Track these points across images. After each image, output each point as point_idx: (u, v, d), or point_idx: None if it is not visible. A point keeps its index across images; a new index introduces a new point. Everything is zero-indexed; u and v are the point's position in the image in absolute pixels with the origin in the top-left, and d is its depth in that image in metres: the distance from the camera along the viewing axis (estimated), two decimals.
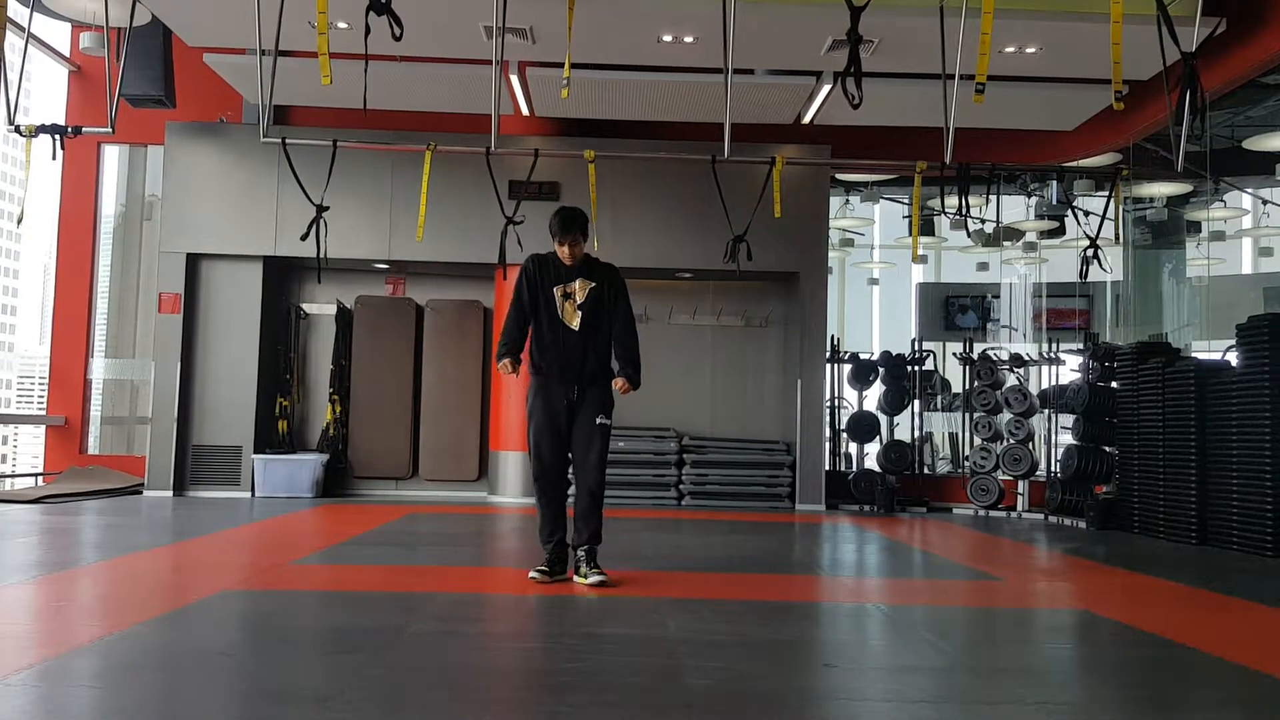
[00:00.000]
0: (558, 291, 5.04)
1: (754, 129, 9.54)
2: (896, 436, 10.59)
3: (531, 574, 5.02)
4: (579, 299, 5.04)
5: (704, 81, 8.31)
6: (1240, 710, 3.13)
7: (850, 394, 10.76)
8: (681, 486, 9.84)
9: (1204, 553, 7.18)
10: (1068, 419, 9.53)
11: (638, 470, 9.74)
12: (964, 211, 6.33)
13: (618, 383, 5.07)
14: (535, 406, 5.09)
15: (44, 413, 10.53)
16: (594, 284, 5.06)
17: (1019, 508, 9.83)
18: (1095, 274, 6.50)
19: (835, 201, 12.35)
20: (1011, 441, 9.82)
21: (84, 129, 6.21)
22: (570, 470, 5.17)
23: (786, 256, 9.67)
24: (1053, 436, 9.90)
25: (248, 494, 9.58)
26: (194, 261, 9.74)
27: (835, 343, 10.57)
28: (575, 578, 4.99)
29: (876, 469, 10.28)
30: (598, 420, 5.02)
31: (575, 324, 5.03)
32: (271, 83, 6.00)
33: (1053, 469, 9.71)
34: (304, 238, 6.18)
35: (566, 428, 5.06)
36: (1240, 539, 7.14)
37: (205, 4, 7.33)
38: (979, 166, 6.58)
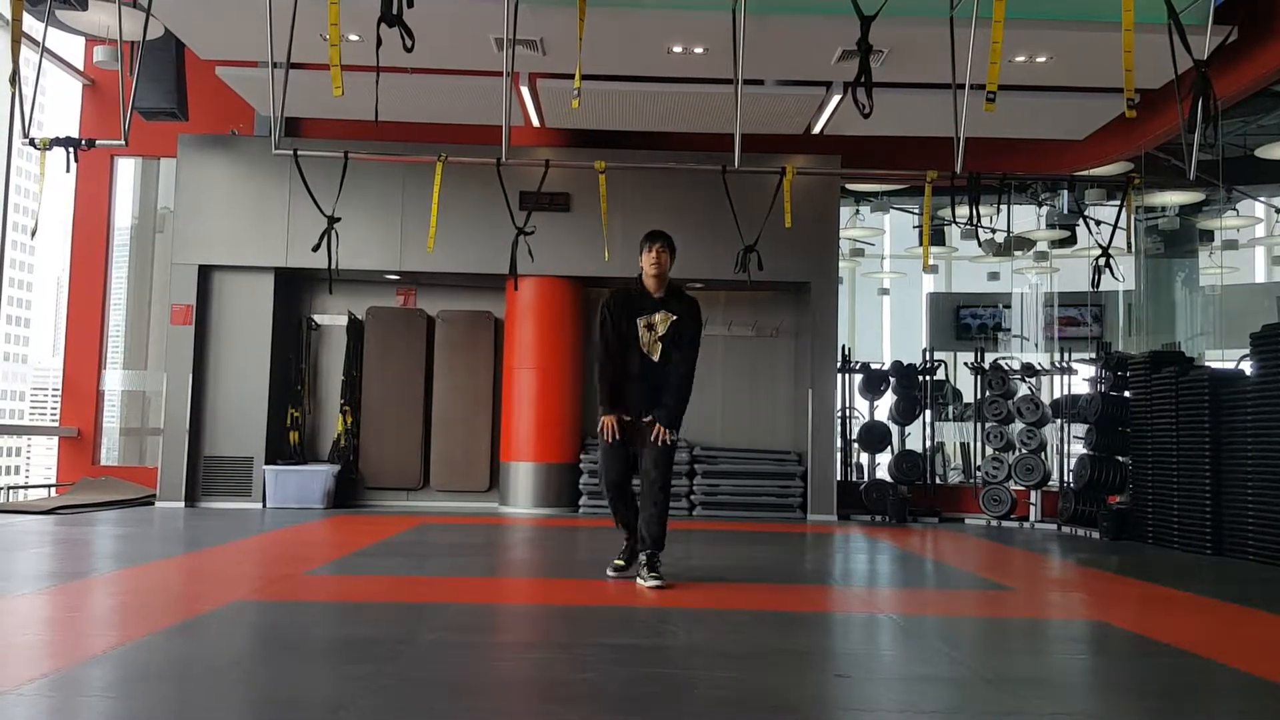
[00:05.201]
0: (641, 323, 5.24)
1: (764, 139, 9.55)
2: (908, 446, 10.56)
3: (609, 571, 5.44)
4: (660, 330, 5.22)
5: (714, 92, 8.32)
6: None
7: (861, 404, 10.73)
8: (693, 497, 9.82)
9: (1219, 563, 7.13)
10: (1080, 429, 9.49)
11: None
12: (975, 221, 6.31)
13: (654, 427, 5.16)
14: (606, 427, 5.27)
15: (57, 424, 10.57)
16: (675, 317, 5.25)
17: (1031, 518, 9.78)
18: (1107, 283, 6.47)
19: (846, 211, 12.34)
20: (1024, 451, 9.78)
21: (97, 142, 6.24)
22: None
23: (797, 266, 9.67)
24: (1065, 446, 9.85)
25: (259, 505, 9.59)
26: (206, 273, 9.78)
27: (846, 353, 10.55)
28: (638, 580, 5.19)
29: (888, 479, 10.24)
30: (671, 439, 5.20)
31: (657, 355, 5.23)
32: (283, 95, 6.02)
33: (1065, 479, 9.66)
34: (315, 249, 6.20)
35: (634, 449, 5.28)
36: (1256, 549, 7.09)
37: (218, 17, 7.38)
38: (990, 176, 6.57)
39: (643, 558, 5.21)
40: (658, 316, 5.24)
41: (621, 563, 5.44)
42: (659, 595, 4.94)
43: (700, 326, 5.39)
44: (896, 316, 14.37)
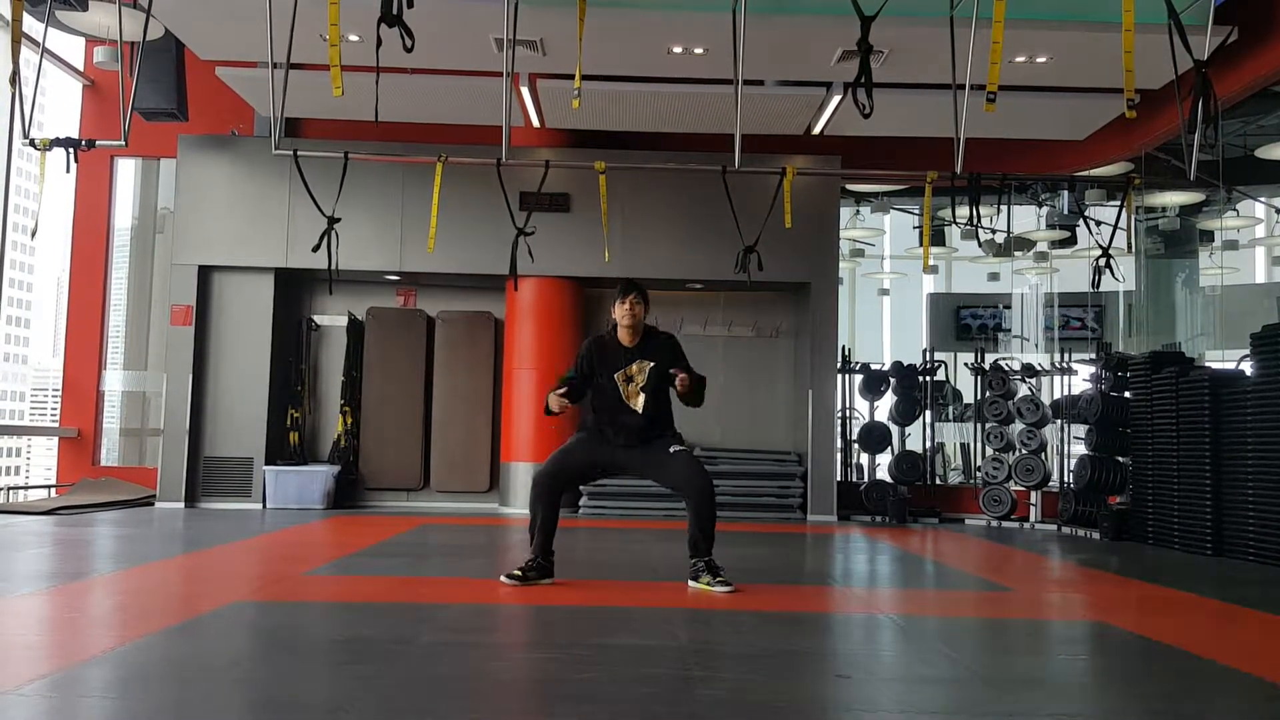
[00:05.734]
0: (619, 377, 5.10)
1: (764, 140, 9.55)
2: (908, 447, 10.56)
3: (503, 578, 5.05)
4: (640, 381, 5.09)
5: (714, 92, 8.32)
6: None
7: (861, 404, 10.73)
8: None
9: (1219, 564, 7.13)
10: (1080, 429, 9.48)
11: (649, 482, 9.71)
12: (975, 221, 6.31)
13: (679, 377, 5.00)
14: (580, 439, 5.23)
15: (57, 425, 10.57)
16: (653, 364, 5.11)
17: (1032, 518, 9.78)
18: (1107, 283, 6.48)
19: (846, 212, 12.34)
20: (1024, 452, 9.78)
21: (97, 142, 6.24)
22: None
23: (797, 267, 9.67)
24: (1065, 447, 9.85)
25: (259, 505, 9.59)
26: (206, 273, 9.78)
27: (846, 353, 10.55)
28: (696, 585, 5.08)
29: (888, 480, 10.24)
30: (672, 450, 5.12)
31: (639, 405, 5.09)
32: (283, 95, 6.02)
33: (1066, 479, 9.65)
34: (315, 249, 6.20)
35: (598, 467, 5.22)
36: (1256, 549, 7.08)
37: (218, 18, 7.39)
38: (990, 176, 6.57)
39: (701, 565, 5.11)
40: (634, 368, 5.11)
41: (520, 573, 5.03)
42: (659, 596, 4.94)
43: (683, 354, 5.20)
44: (896, 317, 14.37)
